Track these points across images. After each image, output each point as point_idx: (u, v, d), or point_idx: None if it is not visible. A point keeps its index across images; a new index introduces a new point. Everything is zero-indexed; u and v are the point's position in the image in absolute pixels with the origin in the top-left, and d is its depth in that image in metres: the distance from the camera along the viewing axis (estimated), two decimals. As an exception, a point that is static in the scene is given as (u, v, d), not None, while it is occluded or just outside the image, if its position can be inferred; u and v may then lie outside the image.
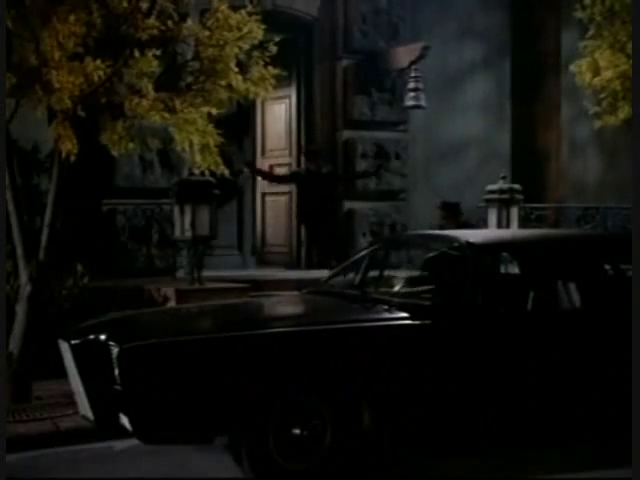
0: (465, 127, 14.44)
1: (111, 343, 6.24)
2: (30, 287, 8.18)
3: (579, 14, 11.30)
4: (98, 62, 7.58)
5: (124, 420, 6.09)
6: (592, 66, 11.26)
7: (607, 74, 11.04)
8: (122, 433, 6.29)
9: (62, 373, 7.02)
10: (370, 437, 6.29)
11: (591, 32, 11.30)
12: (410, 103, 12.87)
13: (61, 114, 7.79)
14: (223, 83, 8.41)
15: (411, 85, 12.78)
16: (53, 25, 7.49)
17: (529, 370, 6.58)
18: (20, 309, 8.22)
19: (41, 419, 7.73)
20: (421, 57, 12.62)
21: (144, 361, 6.02)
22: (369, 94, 13.27)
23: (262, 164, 13.85)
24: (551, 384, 6.62)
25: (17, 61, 7.74)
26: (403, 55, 12.91)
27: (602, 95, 11.31)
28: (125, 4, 7.88)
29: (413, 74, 12.73)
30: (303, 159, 13.14)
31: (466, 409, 6.47)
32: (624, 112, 10.99)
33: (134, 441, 6.26)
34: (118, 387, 6.05)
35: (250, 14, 8.48)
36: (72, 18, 7.53)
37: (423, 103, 12.81)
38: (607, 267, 7.21)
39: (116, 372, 6.05)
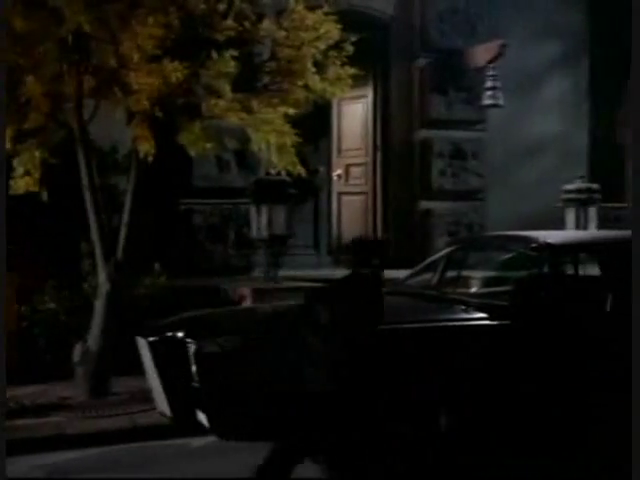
0: (543, 126, 14.24)
1: (189, 340, 6.29)
2: (108, 285, 8.30)
3: (660, 11, 11.11)
4: (176, 64, 7.65)
5: (201, 417, 6.14)
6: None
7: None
8: (199, 430, 6.34)
9: (138, 370, 7.10)
10: (447, 439, 6.25)
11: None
12: (488, 102, 12.75)
13: (139, 115, 7.88)
14: (300, 83, 8.44)
15: (489, 84, 12.66)
16: (132, 28, 7.57)
17: (609, 371, 6.48)
18: (98, 307, 8.34)
19: (118, 415, 7.85)
20: (499, 55, 12.51)
21: (222, 358, 6.07)
22: (446, 93, 13.16)
23: (338, 164, 13.85)
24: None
25: (96, 63, 7.85)
26: (481, 54, 12.80)
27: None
28: (202, 6, 7.95)
29: (491, 73, 12.62)
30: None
31: (545, 410, 6.41)
32: None
33: (211, 438, 6.30)
34: (196, 384, 6.10)
35: (326, 14, 8.49)
36: (151, 20, 7.61)
37: (501, 102, 12.68)
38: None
39: (194, 369, 6.10)
